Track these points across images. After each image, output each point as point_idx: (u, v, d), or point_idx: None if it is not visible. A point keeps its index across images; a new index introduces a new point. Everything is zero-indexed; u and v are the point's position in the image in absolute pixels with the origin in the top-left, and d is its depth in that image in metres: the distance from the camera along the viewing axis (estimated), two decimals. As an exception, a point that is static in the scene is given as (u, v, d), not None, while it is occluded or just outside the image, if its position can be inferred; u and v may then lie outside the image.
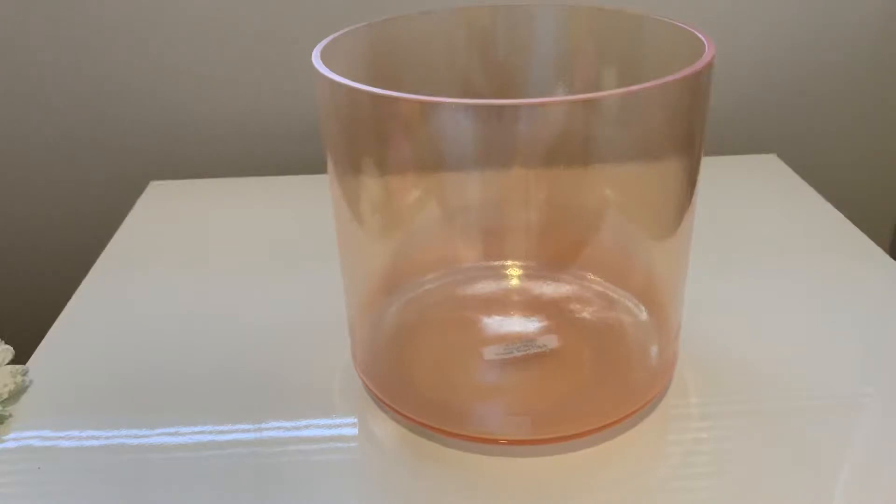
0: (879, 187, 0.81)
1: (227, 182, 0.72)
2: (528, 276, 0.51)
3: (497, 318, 0.48)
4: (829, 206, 0.63)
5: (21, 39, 0.71)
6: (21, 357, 0.48)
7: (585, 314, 0.49)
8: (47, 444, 0.42)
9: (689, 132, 0.39)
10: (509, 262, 0.50)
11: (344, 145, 0.40)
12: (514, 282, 0.50)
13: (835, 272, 0.55)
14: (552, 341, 0.45)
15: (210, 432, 0.43)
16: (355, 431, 0.43)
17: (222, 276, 0.57)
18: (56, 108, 0.73)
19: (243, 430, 0.43)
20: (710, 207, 0.50)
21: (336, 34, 0.43)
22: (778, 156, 0.72)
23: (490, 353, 0.45)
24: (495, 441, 0.41)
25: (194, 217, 0.66)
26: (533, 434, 0.41)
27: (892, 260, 0.56)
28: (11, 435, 0.43)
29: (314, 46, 0.40)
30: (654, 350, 0.46)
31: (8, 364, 0.47)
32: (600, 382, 0.45)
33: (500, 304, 0.50)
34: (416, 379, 0.45)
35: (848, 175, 0.79)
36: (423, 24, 0.47)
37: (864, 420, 0.42)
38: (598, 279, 0.50)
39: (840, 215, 0.61)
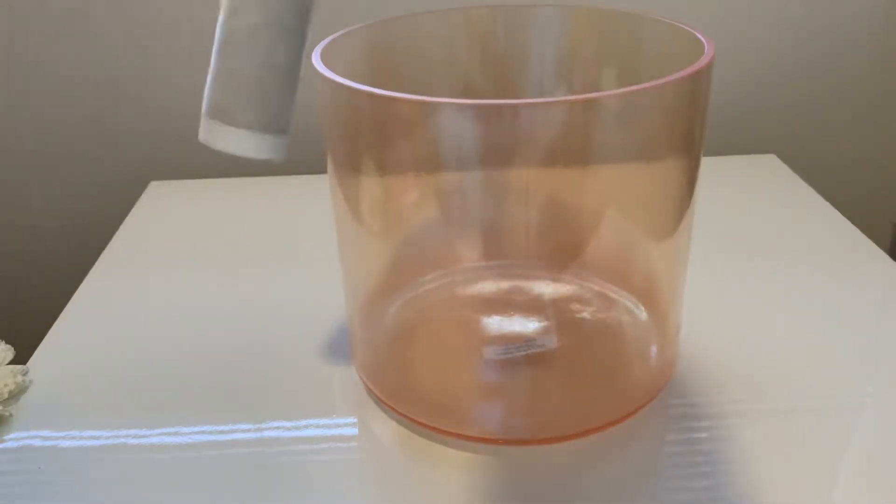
0: (879, 187, 0.81)
1: (227, 182, 0.72)
2: (528, 276, 0.50)
3: (497, 318, 0.48)
4: (828, 207, 0.63)
5: (21, 40, 0.71)
6: (21, 357, 0.48)
7: (585, 314, 0.49)
8: (47, 444, 0.42)
9: (689, 132, 0.39)
10: (509, 262, 0.50)
11: (344, 145, 0.40)
12: (514, 282, 0.50)
13: (835, 272, 0.55)
14: (552, 341, 0.45)
15: (210, 432, 0.43)
16: (355, 431, 0.43)
17: (222, 276, 0.57)
18: (56, 109, 0.73)
19: (243, 430, 0.43)
20: (710, 207, 0.50)
21: (336, 34, 0.43)
22: (778, 156, 0.72)
23: (490, 353, 0.45)
24: (495, 441, 0.41)
25: (194, 217, 0.66)
26: (533, 434, 0.41)
27: (892, 260, 0.56)
28: (11, 435, 0.43)
29: (314, 46, 0.40)
30: (654, 350, 0.46)
31: (8, 364, 0.47)
32: (600, 382, 0.45)
33: (500, 304, 0.50)
34: (416, 379, 0.45)
35: (848, 175, 0.79)
36: (423, 24, 0.47)
37: (864, 420, 0.42)
38: (598, 279, 0.50)
39: (840, 215, 0.61)
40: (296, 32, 0.30)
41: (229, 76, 0.29)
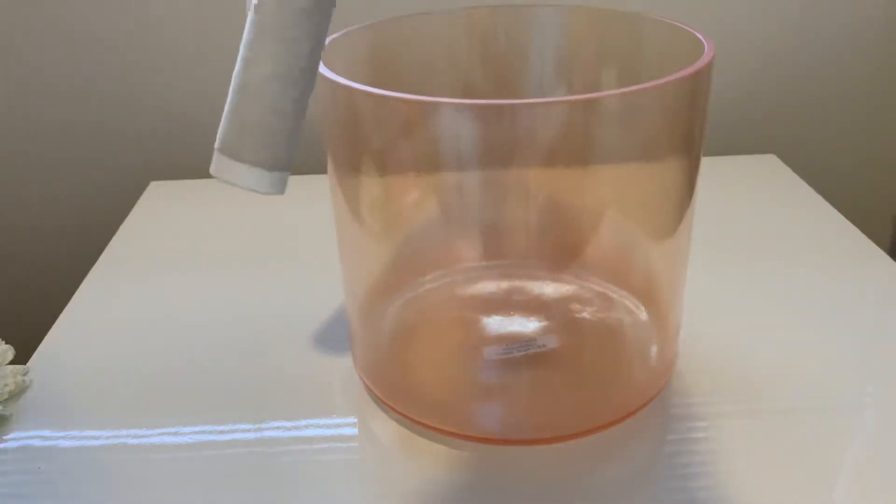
0: (879, 187, 0.81)
1: (227, 182, 0.71)
2: (528, 276, 0.50)
3: (497, 318, 0.48)
4: (828, 206, 0.63)
5: (21, 39, 0.71)
6: (21, 357, 0.48)
7: (585, 314, 0.49)
8: (47, 444, 0.42)
9: (689, 132, 0.39)
10: (509, 262, 0.50)
11: (344, 145, 0.40)
12: (514, 282, 0.50)
13: (834, 272, 0.55)
14: (552, 341, 0.45)
15: (210, 432, 0.43)
16: (355, 431, 0.43)
17: (222, 276, 0.57)
18: (56, 109, 0.73)
19: (243, 430, 0.43)
20: (710, 207, 0.50)
21: (336, 34, 0.43)
22: (778, 156, 0.72)
23: (490, 353, 0.45)
24: (495, 441, 0.41)
25: (194, 217, 0.66)
26: (533, 434, 0.41)
27: (892, 260, 0.56)
28: (11, 435, 0.43)
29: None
30: (654, 350, 0.46)
31: (8, 364, 0.47)
32: (600, 382, 0.45)
33: (500, 304, 0.50)
34: (416, 379, 0.45)
35: (848, 175, 0.79)
36: (423, 24, 0.47)
37: (864, 420, 0.42)
38: (598, 279, 0.50)
39: (840, 215, 0.61)
40: (302, 84, 0.34)
41: (241, 119, 0.34)
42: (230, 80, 0.40)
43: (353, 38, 0.44)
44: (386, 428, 0.43)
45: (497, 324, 0.48)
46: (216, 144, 0.34)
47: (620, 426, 0.42)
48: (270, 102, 0.33)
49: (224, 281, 0.56)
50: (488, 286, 0.50)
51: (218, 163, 0.34)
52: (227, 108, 0.34)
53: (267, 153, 0.33)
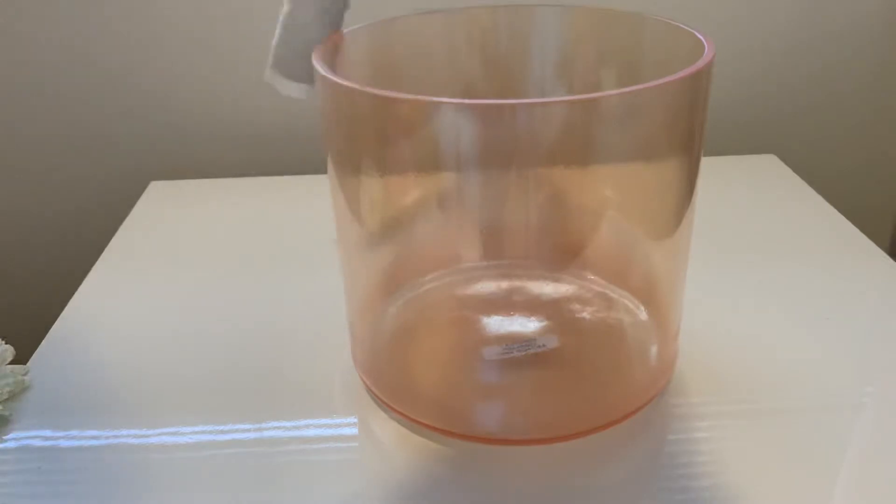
0: (879, 187, 0.81)
1: (227, 182, 0.72)
2: (528, 276, 0.51)
3: (497, 318, 0.48)
4: (828, 206, 0.63)
5: (22, 39, 0.71)
6: (21, 357, 0.48)
7: (585, 314, 0.49)
8: (47, 444, 0.42)
9: (689, 132, 0.39)
10: (509, 262, 0.50)
11: (344, 145, 0.40)
12: (514, 282, 0.50)
13: (834, 272, 0.55)
14: (552, 341, 0.45)
15: (210, 432, 0.43)
16: (355, 431, 0.43)
17: (222, 276, 0.57)
18: (56, 109, 0.73)
19: (243, 430, 0.43)
20: (710, 207, 0.50)
21: (336, 34, 0.43)
22: (778, 156, 0.72)
23: (490, 353, 0.45)
24: (495, 441, 0.41)
25: (194, 217, 0.66)
26: (533, 434, 0.41)
27: (892, 260, 0.56)
28: (11, 435, 0.43)
29: (314, 46, 0.40)
30: (653, 350, 0.46)
31: (8, 364, 0.47)
32: (600, 382, 0.45)
33: (500, 304, 0.50)
34: (416, 379, 0.45)
35: (848, 175, 0.79)
36: (423, 24, 0.47)
37: (864, 420, 0.42)
38: (598, 279, 0.50)
39: (840, 215, 0.61)
40: (334, 22, 0.43)
41: (287, 44, 0.43)
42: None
43: (353, 38, 0.44)
44: (386, 428, 0.43)
45: (497, 324, 0.48)
46: (270, 61, 0.43)
47: (620, 426, 0.42)
48: (308, 35, 0.42)
49: (224, 281, 0.56)
50: (488, 286, 0.50)
51: (272, 76, 0.44)
52: (276, 36, 0.43)
53: (304, 70, 0.43)
